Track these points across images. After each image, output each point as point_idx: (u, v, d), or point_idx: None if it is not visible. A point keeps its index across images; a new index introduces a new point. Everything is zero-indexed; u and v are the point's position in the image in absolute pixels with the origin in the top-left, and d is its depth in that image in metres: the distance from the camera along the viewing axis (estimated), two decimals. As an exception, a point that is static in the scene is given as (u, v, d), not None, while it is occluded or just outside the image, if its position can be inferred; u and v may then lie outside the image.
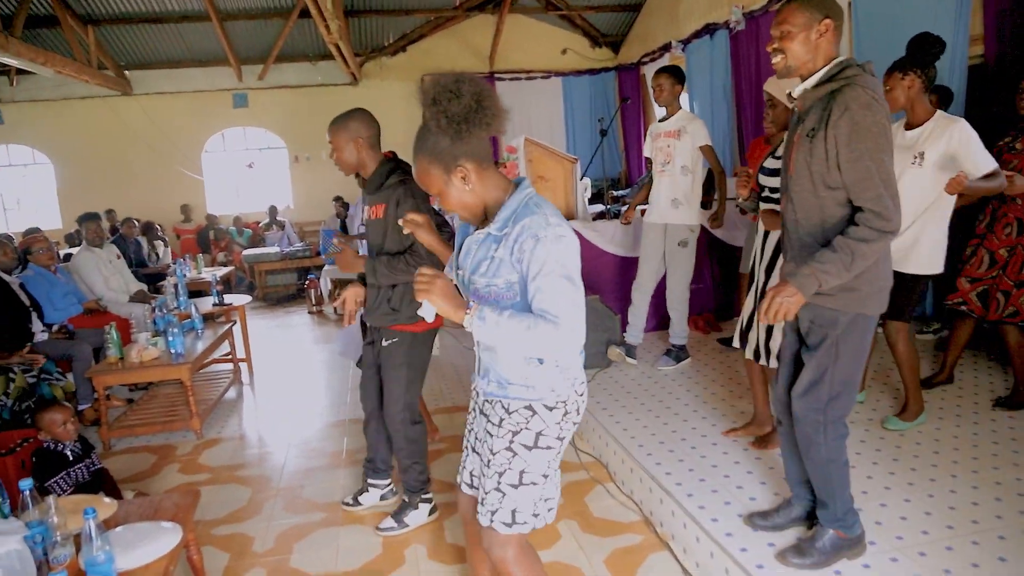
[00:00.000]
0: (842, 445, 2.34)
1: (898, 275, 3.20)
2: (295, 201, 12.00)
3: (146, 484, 3.84)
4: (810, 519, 2.59)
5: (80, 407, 4.74)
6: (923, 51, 3.26)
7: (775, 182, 3.14)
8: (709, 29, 8.34)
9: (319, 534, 3.20)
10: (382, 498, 3.41)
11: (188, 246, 10.68)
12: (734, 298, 5.55)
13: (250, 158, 12.12)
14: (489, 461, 1.93)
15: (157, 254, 8.99)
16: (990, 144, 3.82)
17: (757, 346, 3.28)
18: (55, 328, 5.06)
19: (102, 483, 3.23)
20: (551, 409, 1.87)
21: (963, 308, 3.83)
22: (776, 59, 2.22)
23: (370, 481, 3.40)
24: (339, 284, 8.26)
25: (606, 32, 11.62)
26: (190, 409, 4.46)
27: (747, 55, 7.69)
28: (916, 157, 3.24)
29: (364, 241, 4.09)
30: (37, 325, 4.85)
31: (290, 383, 5.67)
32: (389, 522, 3.15)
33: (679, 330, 4.66)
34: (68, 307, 5.38)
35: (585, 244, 5.20)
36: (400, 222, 2.09)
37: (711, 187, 5.12)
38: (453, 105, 1.68)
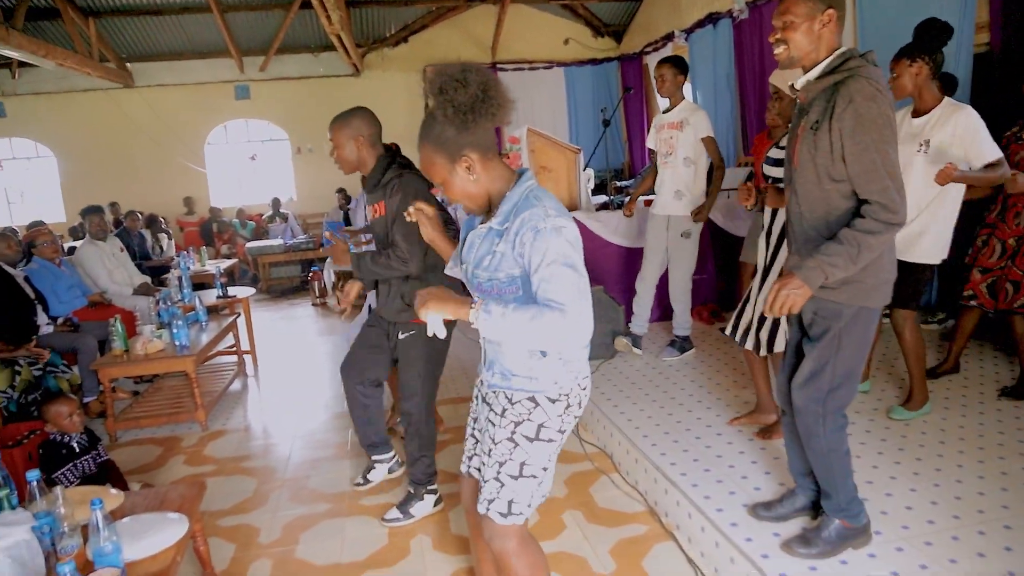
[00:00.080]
0: (842, 435, 2.34)
1: (905, 264, 3.20)
2: (298, 193, 12.00)
3: (152, 476, 3.86)
4: (815, 509, 2.60)
5: (86, 399, 4.75)
6: (931, 37, 3.22)
7: (779, 172, 3.13)
8: (712, 18, 8.30)
9: (325, 525, 3.21)
10: (390, 471, 3.47)
11: (192, 239, 10.69)
12: (736, 288, 5.54)
13: (252, 150, 12.12)
14: (490, 451, 1.94)
15: (161, 247, 9.00)
16: (997, 134, 3.81)
17: (746, 333, 3.28)
18: (60, 321, 5.07)
19: (108, 475, 3.24)
20: (554, 401, 1.87)
21: (972, 303, 3.81)
22: (779, 50, 2.20)
23: (374, 458, 3.45)
24: (342, 276, 8.25)
25: (608, 22, 11.57)
26: (195, 401, 4.47)
27: (750, 44, 7.65)
28: (922, 145, 3.22)
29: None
30: (42, 318, 4.86)
31: (294, 375, 5.68)
32: (394, 513, 3.15)
33: (682, 321, 4.66)
34: (73, 300, 5.39)
35: (588, 235, 5.19)
36: (408, 210, 2.07)
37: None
38: (459, 95, 1.68)
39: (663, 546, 2.83)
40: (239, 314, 5.91)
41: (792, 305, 2.13)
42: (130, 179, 11.21)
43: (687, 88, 4.51)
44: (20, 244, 5.14)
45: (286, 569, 2.87)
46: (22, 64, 10.11)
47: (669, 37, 9.50)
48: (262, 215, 11.18)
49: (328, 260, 8.31)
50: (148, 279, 6.63)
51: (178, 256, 7.97)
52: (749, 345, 3.30)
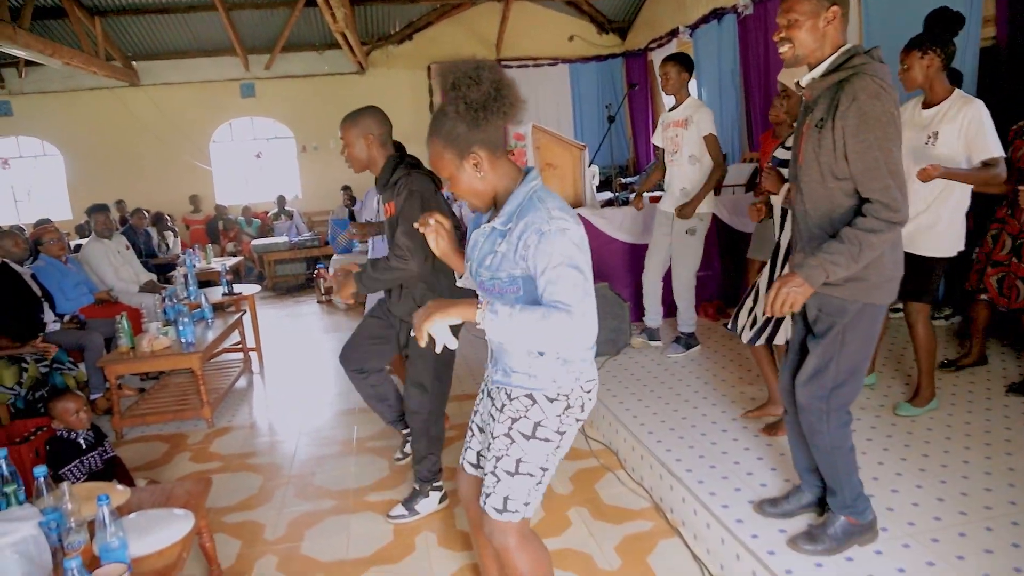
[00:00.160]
0: (846, 432, 2.33)
1: (916, 257, 3.19)
2: (303, 191, 12.01)
3: (158, 472, 3.87)
4: (820, 505, 2.59)
5: (92, 396, 4.77)
6: (942, 27, 3.19)
7: (785, 173, 3.11)
8: (717, 14, 8.28)
9: (330, 521, 3.21)
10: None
11: (197, 236, 10.72)
12: (742, 284, 5.53)
13: (258, 148, 12.14)
14: (490, 445, 1.95)
15: (167, 244, 9.03)
16: (1003, 128, 3.78)
17: (743, 325, 3.28)
18: (67, 318, 5.09)
19: (115, 471, 3.25)
20: (552, 400, 1.86)
21: (983, 297, 3.81)
22: (783, 48, 2.19)
23: (405, 432, 3.55)
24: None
25: (613, 18, 11.55)
26: (201, 398, 4.48)
27: (755, 40, 7.63)
28: (930, 137, 3.20)
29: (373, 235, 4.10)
30: (49, 315, 4.88)
31: (300, 372, 5.69)
32: (399, 510, 3.16)
33: (687, 318, 4.65)
34: (79, 297, 5.41)
35: (593, 231, 5.19)
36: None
37: (723, 176, 5.08)
38: (472, 92, 1.68)
39: (668, 543, 2.83)
40: (244, 311, 5.92)
41: (793, 303, 2.13)
42: (136, 177, 11.23)
43: (692, 84, 4.49)
44: (27, 242, 5.16)
45: (291, 565, 2.88)
46: (28, 63, 10.15)
47: (674, 33, 9.48)
48: (267, 213, 11.19)
49: (333, 258, 8.32)
50: (154, 277, 6.66)
51: (184, 254, 7.98)
52: (746, 338, 3.29)
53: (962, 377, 3.83)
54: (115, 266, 6.08)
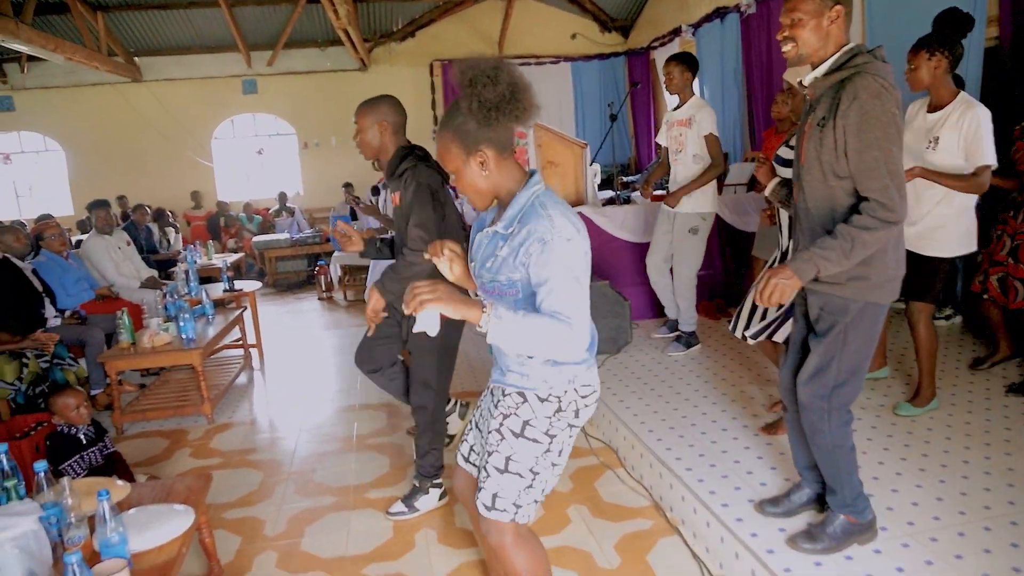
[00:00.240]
0: (847, 431, 2.33)
1: (920, 257, 3.21)
2: (305, 188, 12.02)
3: (158, 468, 3.87)
4: (820, 502, 2.59)
5: (93, 392, 4.77)
6: (951, 29, 3.17)
7: (789, 172, 3.11)
8: (720, 13, 8.27)
9: (330, 518, 3.22)
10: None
11: (198, 232, 10.72)
12: (744, 283, 5.53)
13: (259, 144, 12.14)
14: (486, 439, 1.97)
15: (168, 240, 9.03)
16: (1006, 127, 3.78)
17: (747, 326, 3.28)
18: (67, 314, 5.09)
19: (115, 466, 3.25)
20: (542, 401, 1.87)
21: (985, 296, 3.82)
22: (787, 47, 2.19)
23: None
24: (349, 270, 8.28)
25: (615, 16, 11.54)
26: (201, 394, 4.48)
27: (758, 39, 7.62)
28: (931, 142, 3.20)
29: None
30: (50, 311, 4.88)
31: (301, 369, 5.70)
32: (399, 506, 3.16)
33: (688, 317, 4.65)
34: (80, 293, 5.42)
35: (595, 230, 5.19)
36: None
37: (724, 175, 5.09)
38: (487, 91, 1.69)
39: (668, 541, 2.83)
40: (245, 308, 5.92)
41: (781, 295, 2.14)
42: (138, 173, 11.24)
43: (694, 83, 4.50)
44: (28, 237, 5.16)
45: (291, 562, 2.88)
46: (31, 58, 10.15)
47: (676, 32, 9.47)
48: (269, 209, 11.20)
49: (334, 254, 8.32)
50: (155, 272, 6.66)
51: (185, 250, 7.99)
52: (751, 332, 3.29)
53: (962, 377, 3.83)
54: (116, 262, 6.09)
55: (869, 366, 3.50)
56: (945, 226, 3.23)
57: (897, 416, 3.40)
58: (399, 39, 11.38)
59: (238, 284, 6.23)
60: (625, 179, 8.89)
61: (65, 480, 2.15)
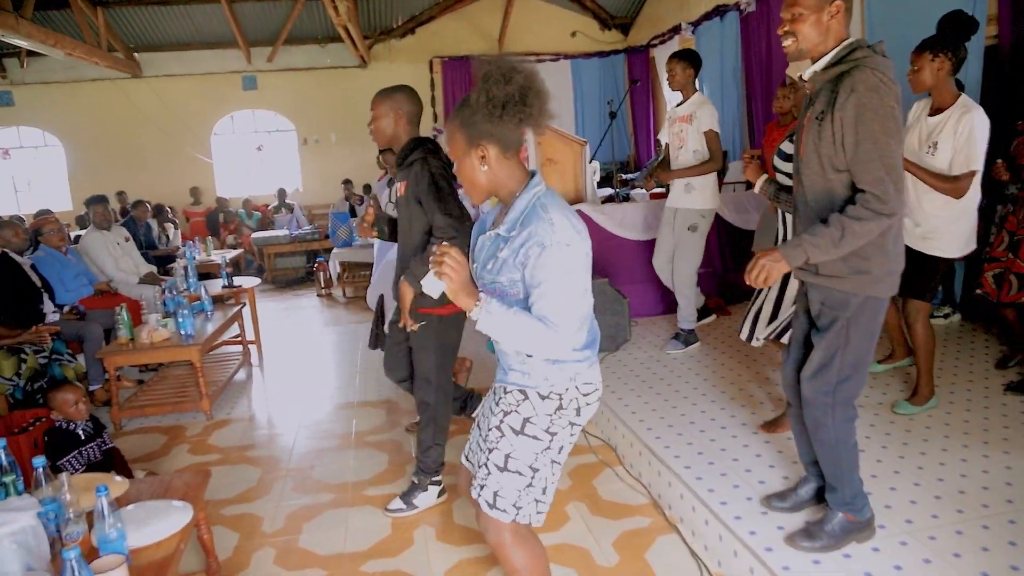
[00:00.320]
0: (851, 427, 2.33)
1: (920, 255, 3.21)
2: (304, 184, 12.01)
3: (156, 464, 3.87)
4: (821, 501, 2.59)
5: (91, 388, 4.76)
6: (956, 31, 3.18)
7: (790, 167, 3.12)
8: (719, 11, 8.26)
9: (328, 515, 3.22)
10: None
11: (197, 228, 10.72)
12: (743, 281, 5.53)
13: (259, 141, 12.13)
14: (486, 436, 1.97)
15: (167, 236, 9.02)
16: (1005, 126, 3.78)
17: (754, 327, 3.28)
18: (66, 309, 5.08)
19: (113, 462, 3.25)
20: (543, 398, 1.87)
21: (978, 292, 3.84)
22: (787, 42, 2.20)
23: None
24: (347, 267, 8.27)
25: (615, 14, 11.53)
26: (200, 390, 4.48)
27: (758, 37, 7.62)
28: (930, 147, 3.21)
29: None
30: (48, 306, 4.88)
31: (299, 365, 5.70)
32: (398, 503, 3.16)
33: (687, 314, 4.65)
34: (79, 288, 5.41)
35: (593, 227, 5.18)
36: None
37: (723, 172, 5.08)
38: (497, 88, 1.72)
39: (666, 539, 2.83)
40: (244, 304, 5.92)
41: (768, 276, 2.17)
42: (137, 169, 11.23)
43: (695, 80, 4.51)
44: (27, 232, 5.15)
45: (289, 558, 2.88)
46: (31, 53, 10.13)
47: (676, 30, 9.46)
48: (268, 206, 11.18)
49: (333, 251, 8.31)
50: (154, 268, 6.65)
51: (184, 246, 7.98)
52: (764, 334, 3.29)
53: (960, 376, 3.84)
54: (115, 257, 6.08)
55: (887, 356, 3.51)
56: (948, 227, 3.24)
57: (895, 414, 3.40)
58: (399, 36, 11.37)
59: (237, 280, 6.23)
60: (624, 177, 8.88)
61: (63, 476, 2.14)
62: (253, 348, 6.01)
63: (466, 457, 2.16)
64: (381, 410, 4.46)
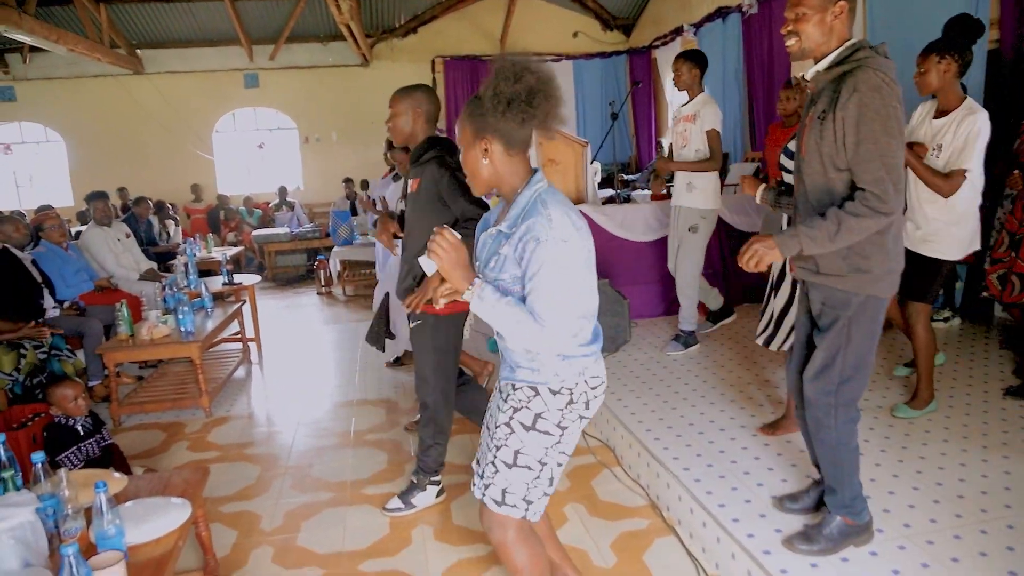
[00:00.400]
0: (853, 429, 2.33)
1: (919, 257, 3.22)
2: (305, 182, 12.00)
3: (155, 461, 3.87)
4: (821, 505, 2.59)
5: (90, 384, 4.77)
6: (962, 34, 3.19)
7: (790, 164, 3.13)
8: (721, 13, 8.26)
9: (327, 513, 3.22)
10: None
11: (198, 225, 10.72)
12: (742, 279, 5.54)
13: (260, 138, 12.12)
14: (492, 435, 1.97)
15: (168, 233, 9.02)
16: (1006, 129, 3.79)
17: (768, 333, 3.28)
18: (66, 304, 5.09)
19: (112, 458, 3.25)
20: (555, 393, 1.88)
21: (984, 295, 3.85)
22: (790, 42, 2.21)
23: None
24: (348, 265, 8.27)
25: (618, 15, 11.53)
26: (199, 387, 4.48)
27: (759, 39, 7.61)
28: (934, 149, 3.22)
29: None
30: (49, 301, 4.88)
31: (299, 363, 5.69)
32: (396, 503, 3.16)
33: (688, 315, 4.65)
34: (79, 284, 5.41)
35: (594, 228, 5.18)
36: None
37: (724, 174, 5.10)
38: (504, 85, 1.74)
39: (664, 541, 2.83)
40: (244, 301, 5.92)
41: (759, 262, 2.18)
42: (138, 165, 11.22)
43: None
44: (28, 228, 5.15)
45: (287, 557, 2.88)
46: (33, 49, 10.13)
47: (678, 31, 9.45)
48: (269, 203, 11.19)
49: (334, 249, 8.31)
50: (154, 265, 6.66)
51: (184, 243, 7.98)
52: (774, 344, 3.29)
53: (960, 380, 3.83)
54: (115, 253, 6.09)
55: (910, 362, 3.49)
56: (948, 230, 3.25)
57: (895, 418, 3.40)
58: (401, 35, 11.36)
59: (237, 278, 6.23)
60: (625, 177, 8.89)
61: (62, 471, 2.14)
62: (253, 346, 6.02)
63: (477, 461, 2.15)
64: (380, 409, 4.47)
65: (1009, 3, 4.71)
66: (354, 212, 9.40)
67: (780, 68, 7.22)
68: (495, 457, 1.94)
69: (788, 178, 3.30)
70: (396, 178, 5.23)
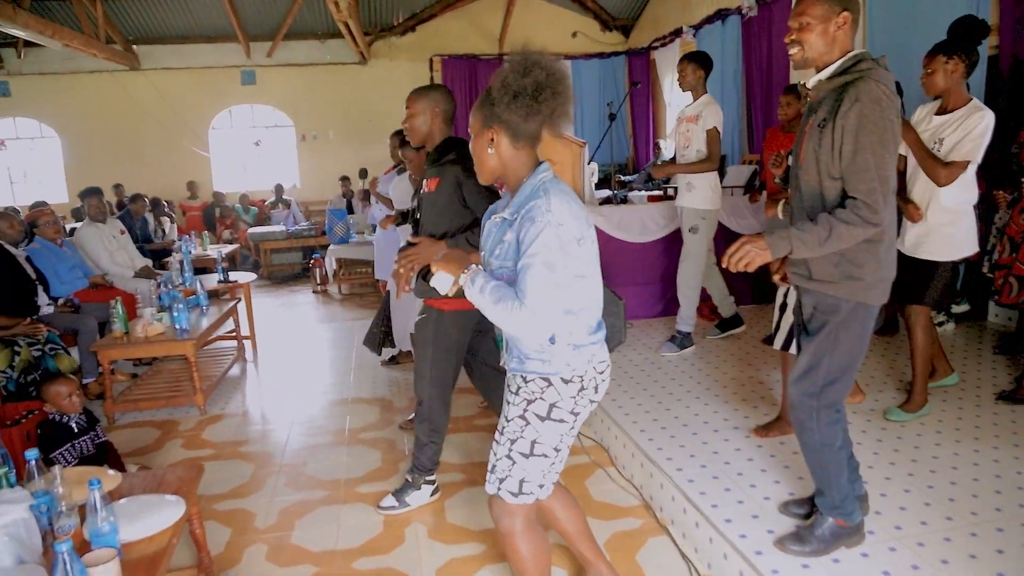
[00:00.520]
0: (835, 430, 2.34)
1: (915, 260, 3.24)
2: (302, 180, 11.98)
3: (149, 458, 3.87)
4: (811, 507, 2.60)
5: (85, 381, 4.76)
6: (967, 35, 3.20)
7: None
8: (721, 15, 8.27)
9: (321, 511, 3.22)
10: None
11: (194, 223, 10.68)
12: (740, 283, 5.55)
13: (257, 136, 12.10)
14: (503, 428, 1.99)
15: (163, 230, 8.99)
16: (1005, 134, 3.80)
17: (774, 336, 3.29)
18: (61, 302, 5.08)
19: (106, 456, 3.25)
20: (567, 382, 1.91)
21: (996, 298, 3.89)
22: (793, 51, 2.22)
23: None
24: (344, 263, 8.26)
25: (617, 16, 11.53)
26: (194, 385, 4.48)
27: (759, 42, 7.63)
28: (936, 143, 3.22)
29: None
30: (43, 298, 4.87)
31: (294, 361, 5.69)
32: (390, 501, 3.16)
33: (686, 316, 4.65)
34: (74, 281, 5.40)
35: (592, 229, 5.19)
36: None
37: (722, 176, 5.11)
38: (512, 78, 1.78)
39: (657, 540, 2.84)
40: (239, 299, 5.92)
41: (748, 262, 2.17)
42: (134, 162, 11.19)
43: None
44: (22, 224, 5.14)
45: (281, 554, 2.88)
46: (28, 43, 10.08)
47: (677, 33, 9.46)
48: (265, 201, 11.16)
49: (329, 247, 8.30)
50: (149, 262, 6.64)
51: (180, 240, 7.97)
52: (777, 344, 3.30)
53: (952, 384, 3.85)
54: (110, 250, 6.07)
55: (930, 374, 3.52)
56: (940, 230, 3.26)
57: (888, 421, 3.42)
58: (399, 33, 11.35)
59: (233, 275, 6.22)
60: (622, 178, 8.89)
61: (56, 468, 2.14)
62: (248, 343, 6.01)
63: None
64: (375, 407, 4.47)
65: (1008, 9, 4.73)
66: (351, 210, 9.40)
67: (779, 71, 7.24)
68: (511, 450, 1.96)
69: None
70: (401, 171, 5.21)
